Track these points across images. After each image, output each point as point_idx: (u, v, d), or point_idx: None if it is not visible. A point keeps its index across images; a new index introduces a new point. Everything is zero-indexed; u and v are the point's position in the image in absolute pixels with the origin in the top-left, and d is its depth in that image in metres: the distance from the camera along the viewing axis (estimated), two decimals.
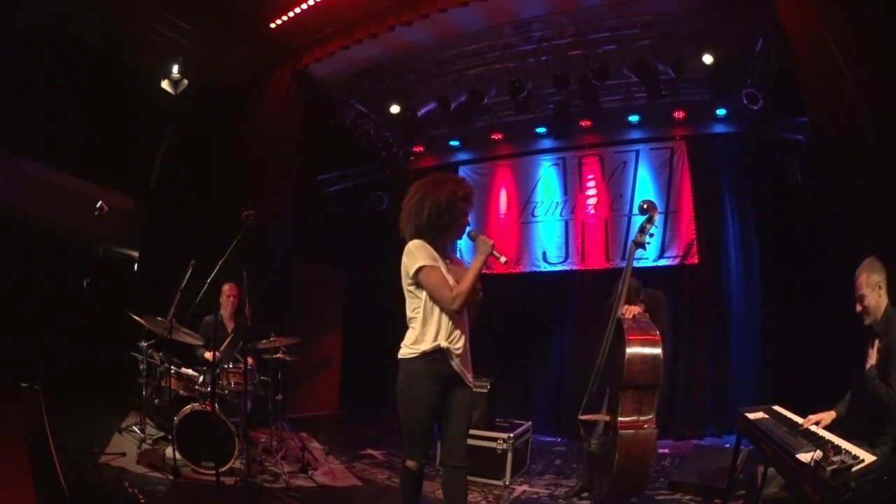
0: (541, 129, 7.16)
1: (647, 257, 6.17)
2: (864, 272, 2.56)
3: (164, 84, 6.26)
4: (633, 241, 3.26)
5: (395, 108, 7.00)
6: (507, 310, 6.86)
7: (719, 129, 6.54)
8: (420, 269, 2.51)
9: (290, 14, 5.96)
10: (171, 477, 3.63)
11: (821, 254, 4.95)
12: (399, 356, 2.59)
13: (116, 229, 6.52)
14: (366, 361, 7.54)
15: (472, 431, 2.97)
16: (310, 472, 4.31)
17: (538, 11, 5.74)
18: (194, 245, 5.45)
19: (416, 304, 2.58)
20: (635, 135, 6.87)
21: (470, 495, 3.95)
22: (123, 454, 3.95)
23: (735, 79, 5.83)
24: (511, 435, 4.45)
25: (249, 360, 4.45)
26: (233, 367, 4.27)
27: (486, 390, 4.76)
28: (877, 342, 2.52)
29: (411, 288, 2.59)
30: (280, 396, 4.48)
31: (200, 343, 4.37)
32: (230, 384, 4.20)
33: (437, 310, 2.54)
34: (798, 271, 5.64)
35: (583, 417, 3.35)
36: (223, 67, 6.74)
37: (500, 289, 6.64)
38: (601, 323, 3.52)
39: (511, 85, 6.36)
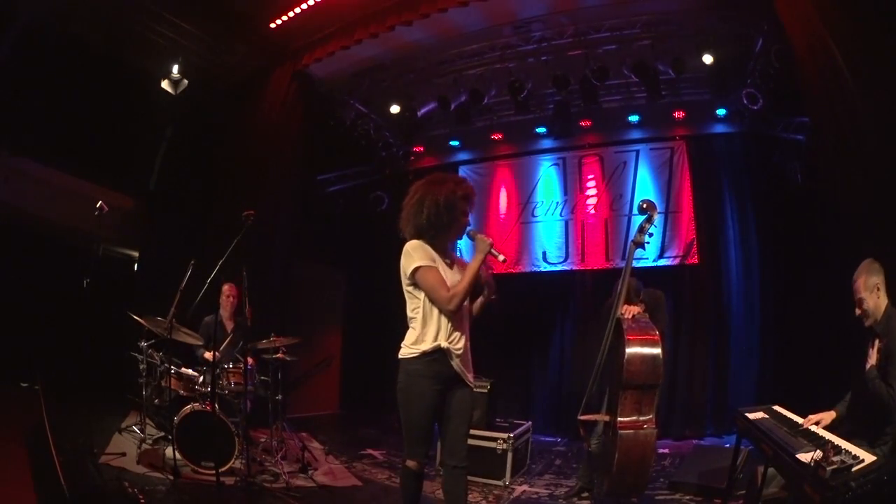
0: (541, 129, 7.16)
1: (647, 257, 6.17)
2: (862, 275, 2.56)
3: (164, 84, 6.24)
4: (633, 241, 3.25)
5: (395, 108, 7.00)
6: (507, 310, 6.82)
7: (719, 129, 6.54)
8: (417, 269, 2.51)
9: (290, 14, 5.96)
10: (171, 477, 3.63)
11: (821, 254, 4.93)
12: (399, 356, 2.59)
13: (116, 229, 6.50)
14: (366, 361, 7.53)
15: (472, 431, 2.95)
16: (310, 472, 4.31)
17: (538, 11, 5.73)
18: (194, 245, 5.45)
19: (415, 304, 2.58)
20: (635, 135, 6.88)
21: (470, 495, 3.94)
22: (123, 454, 3.95)
23: (735, 79, 5.84)
24: (511, 435, 4.44)
25: (249, 360, 4.45)
26: (233, 367, 4.27)
27: (486, 390, 4.76)
28: (877, 342, 2.52)
29: (410, 288, 2.59)
30: (280, 396, 4.48)
31: (200, 343, 4.37)
32: (230, 384, 4.20)
33: (436, 310, 2.54)
34: (798, 271, 5.64)
35: (582, 417, 3.35)
36: (223, 67, 6.72)
37: (500, 289, 6.59)
38: (601, 323, 3.51)
39: (511, 85, 6.36)
